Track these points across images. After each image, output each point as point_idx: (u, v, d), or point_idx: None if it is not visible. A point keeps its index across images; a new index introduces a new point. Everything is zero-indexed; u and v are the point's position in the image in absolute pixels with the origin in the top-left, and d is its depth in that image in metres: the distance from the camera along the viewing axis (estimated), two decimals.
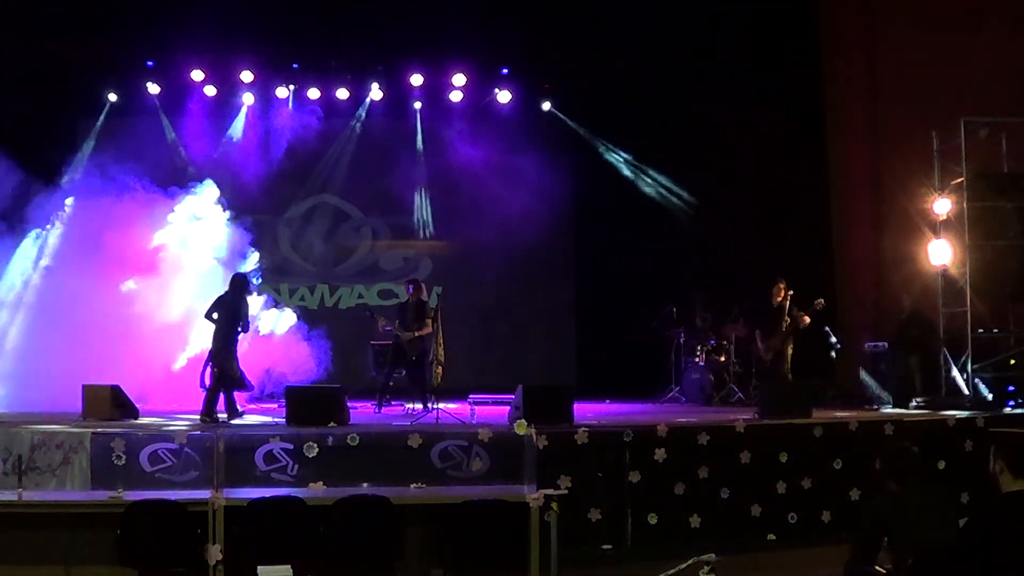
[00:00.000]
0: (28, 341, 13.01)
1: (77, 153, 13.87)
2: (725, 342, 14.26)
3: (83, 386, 10.95)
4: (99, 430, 9.08)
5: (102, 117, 16.06)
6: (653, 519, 9.40)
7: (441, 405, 11.26)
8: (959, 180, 12.82)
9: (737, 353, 14.11)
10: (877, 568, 5.39)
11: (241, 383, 11.56)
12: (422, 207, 17.42)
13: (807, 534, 9.56)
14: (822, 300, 12.45)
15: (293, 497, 7.27)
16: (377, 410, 12.54)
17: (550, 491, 7.24)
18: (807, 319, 12.37)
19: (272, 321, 14.50)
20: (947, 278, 13.03)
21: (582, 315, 17.32)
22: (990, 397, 12.14)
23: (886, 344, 13.27)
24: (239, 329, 11.23)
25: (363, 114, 17.10)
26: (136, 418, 10.71)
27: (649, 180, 17.01)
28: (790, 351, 12.52)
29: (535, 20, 15.44)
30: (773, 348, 12.54)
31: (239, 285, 11.41)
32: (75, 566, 7.03)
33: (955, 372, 12.57)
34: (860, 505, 9.29)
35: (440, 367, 11.93)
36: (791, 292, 12.50)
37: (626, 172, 17.29)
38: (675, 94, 16.26)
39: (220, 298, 11.37)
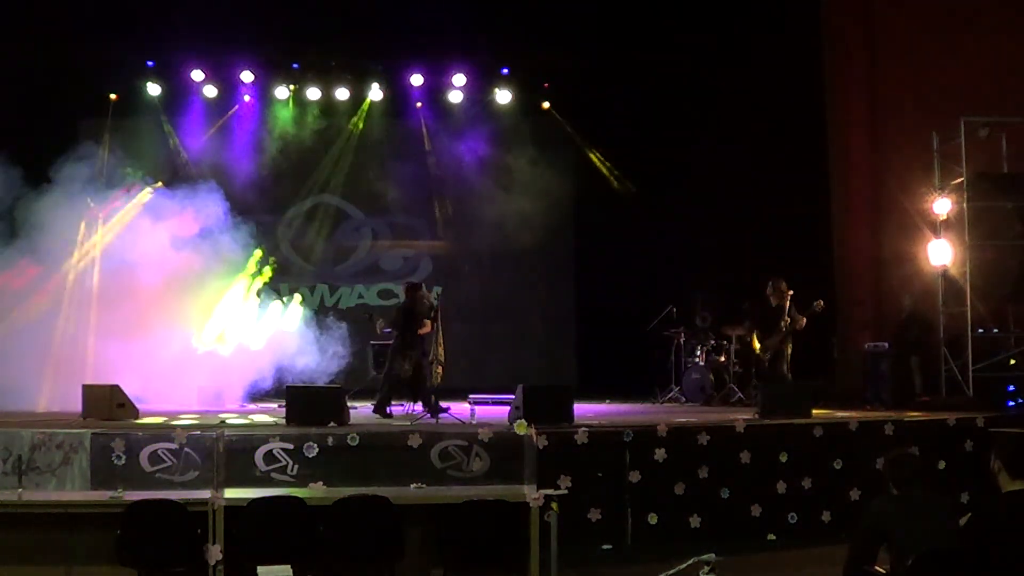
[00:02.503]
0: (29, 341, 12.99)
1: (77, 154, 13.84)
2: (725, 342, 14.26)
3: (83, 386, 10.95)
4: (99, 430, 9.08)
5: (108, 119, 16.05)
6: (653, 519, 9.41)
7: (441, 405, 11.25)
8: (959, 180, 12.83)
9: (737, 353, 14.11)
10: (876, 568, 5.39)
11: (398, 389, 12.05)
12: (422, 207, 17.43)
13: (807, 534, 9.56)
14: (821, 301, 12.44)
15: (293, 497, 7.26)
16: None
17: (550, 491, 7.23)
18: (804, 320, 12.37)
19: (277, 318, 14.57)
20: (947, 278, 13.03)
21: (582, 315, 17.32)
22: None
23: (886, 344, 13.27)
24: (411, 329, 11.86)
25: (363, 114, 17.11)
26: (136, 418, 10.71)
27: (648, 180, 16.99)
28: (789, 351, 12.51)
29: (535, 20, 15.45)
30: (771, 348, 12.53)
31: (407, 289, 12.30)
32: (75, 566, 7.02)
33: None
34: (860, 506, 9.29)
35: (440, 367, 11.93)
36: (791, 292, 12.50)
37: (625, 172, 17.28)
38: (675, 94, 16.26)
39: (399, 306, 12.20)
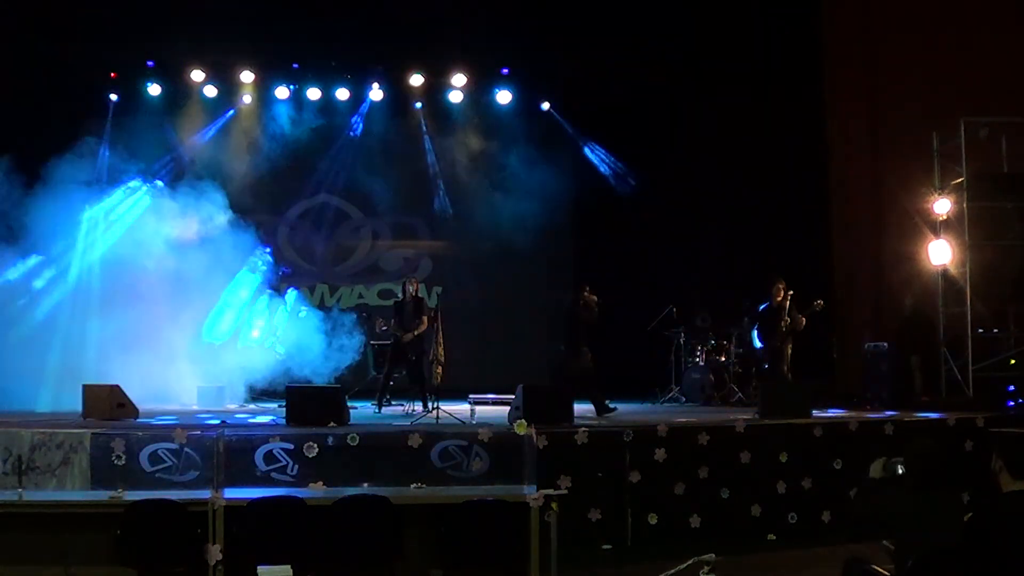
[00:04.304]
0: (30, 341, 13.00)
1: (78, 154, 13.84)
2: (725, 342, 14.26)
3: (83, 386, 10.94)
4: (99, 430, 9.08)
5: (109, 118, 16.04)
6: (653, 519, 9.41)
7: (441, 405, 11.25)
8: (959, 180, 12.84)
9: (737, 353, 14.10)
10: (876, 568, 5.38)
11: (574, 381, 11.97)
12: (422, 207, 17.43)
13: (807, 534, 9.58)
14: (821, 301, 12.44)
15: (293, 497, 7.26)
16: (377, 410, 12.55)
17: (550, 491, 7.23)
18: (804, 320, 12.36)
19: (277, 318, 14.59)
20: (947, 278, 13.04)
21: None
22: None
23: (886, 344, 13.27)
24: (579, 330, 12.04)
25: (363, 114, 17.10)
26: (136, 418, 10.71)
27: (648, 180, 16.98)
28: (789, 351, 12.51)
29: (535, 20, 15.44)
30: (771, 348, 12.52)
31: (576, 289, 12.31)
32: (75, 566, 7.01)
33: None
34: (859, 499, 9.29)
35: (440, 367, 11.93)
36: (791, 292, 12.49)
37: (625, 172, 17.27)
38: (675, 94, 16.25)
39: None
